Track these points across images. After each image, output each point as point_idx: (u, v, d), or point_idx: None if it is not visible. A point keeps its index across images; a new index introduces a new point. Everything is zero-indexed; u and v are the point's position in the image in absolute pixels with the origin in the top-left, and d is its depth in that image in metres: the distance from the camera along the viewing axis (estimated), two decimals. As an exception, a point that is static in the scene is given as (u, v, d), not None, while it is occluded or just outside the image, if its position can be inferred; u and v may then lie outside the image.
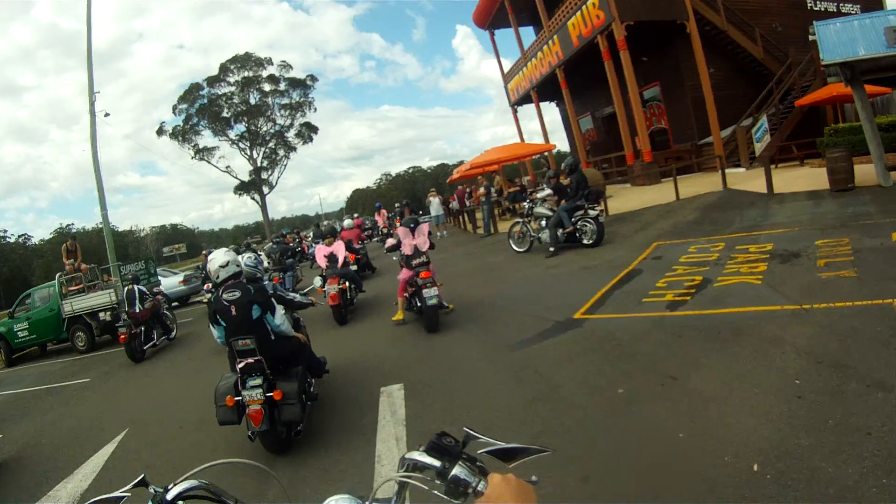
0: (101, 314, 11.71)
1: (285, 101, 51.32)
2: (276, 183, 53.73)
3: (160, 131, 49.11)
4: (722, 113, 18.33)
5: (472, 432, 1.13)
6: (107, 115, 16.90)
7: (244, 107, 49.56)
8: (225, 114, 49.27)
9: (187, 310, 16.28)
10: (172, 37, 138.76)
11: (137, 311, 9.84)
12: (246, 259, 5.20)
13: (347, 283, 8.88)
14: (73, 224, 69.69)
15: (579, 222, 10.32)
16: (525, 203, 11.96)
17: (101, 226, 17.26)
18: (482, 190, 18.11)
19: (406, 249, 7.26)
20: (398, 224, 7.89)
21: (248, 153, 51.05)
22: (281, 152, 52.42)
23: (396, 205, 24.50)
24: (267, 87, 50.37)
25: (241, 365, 4.11)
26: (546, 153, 24.10)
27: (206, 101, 48.82)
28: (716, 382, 3.80)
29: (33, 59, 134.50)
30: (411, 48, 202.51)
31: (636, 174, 19.23)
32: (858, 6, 21.90)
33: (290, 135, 52.29)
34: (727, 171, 14.41)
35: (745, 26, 19.60)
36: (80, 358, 11.40)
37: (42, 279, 12.38)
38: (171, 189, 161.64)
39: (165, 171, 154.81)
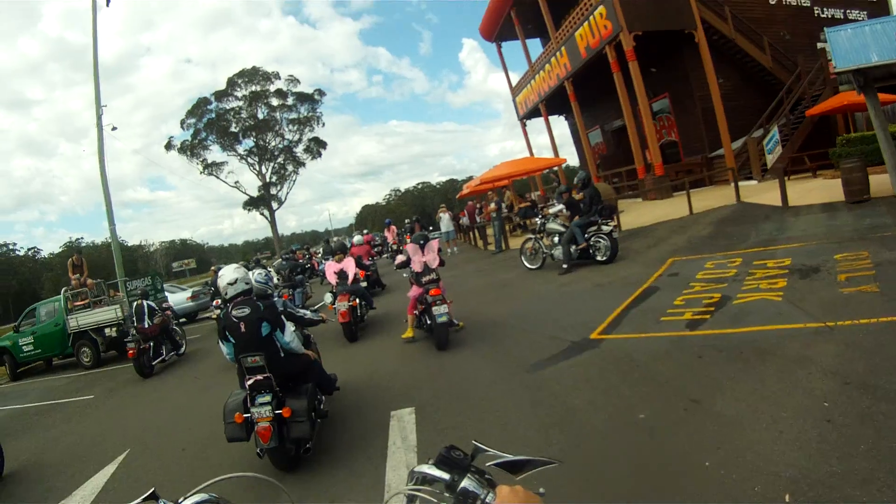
0: (107, 330, 11.71)
1: (293, 115, 51.86)
2: (286, 198, 54.14)
3: (168, 146, 49.81)
4: (732, 124, 18.24)
5: (480, 445, 1.15)
6: (114, 128, 17.13)
7: (252, 121, 50.11)
8: (233, 128, 49.85)
9: (195, 326, 16.27)
10: (180, 51, 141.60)
11: (146, 326, 9.87)
12: (256, 275, 5.19)
13: (358, 300, 8.86)
14: (82, 238, 70.59)
15: (592, 238, 10.21)
16: (537, 219, 11.89)
17: (109, 240, 17.34)
18: (493, 206, 18.04)
19: (416, 266, 7.22)
20: (408, 240, 7.86)
21: (257, 168, 51.55)
22: (290, 167, 52.89)
23: (407, 221, 24.51)
24: (275, 102, 50.95)
25: (250, 382, 4.12)
26: (556, 168, 24.07)
27: (213, 115, 49.43)
28: (741, 406, 3.70)
29: (42, 73, 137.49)
30: (418, 62, 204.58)
31: (647, 188, 19.10)
32: (865, 13, 21.81)
33: (299, 150, 52.79)
34: (739, 183, 14.28)
35: (753, 35, 19.57)
36: (85, 374, 11.41)
37: (51, 293, 12.51)
38: (180, 204, 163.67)
39: (174, 186, 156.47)
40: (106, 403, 8.22)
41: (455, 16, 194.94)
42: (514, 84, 30.13)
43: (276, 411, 3.99)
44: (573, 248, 10.28)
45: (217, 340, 4.60)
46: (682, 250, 9.88)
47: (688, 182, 14.64)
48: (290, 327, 4.63)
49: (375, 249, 21.51)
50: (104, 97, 16.55)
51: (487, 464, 1.12)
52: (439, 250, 7.47)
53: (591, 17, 19.04)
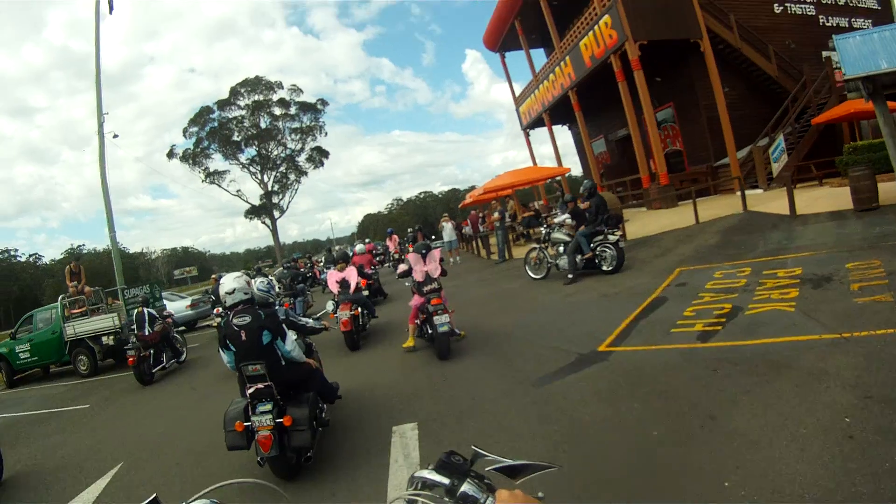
0: (104, 338, 11.56)
1: (296, 125, 52.14)
2: (287, 207, 54.42)
3: (170, 154, 50.09)
4: (737, 133, 18.11)
5: (479, 450, 1.17)
6: (115, 136, 17.21)
7: (254, 130, 50.29)
8: (235, 137, 50.06)
9: (195, 335, 16.11)
10: (183, 60, 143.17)
11: (147, 333, 9.79)
12: (258, 284, 5.13)
13: (360, 309, 8.81)
14: (83, 245, 70.87)
15: (598, 248, 10.09)
16: (542, 228, 11.78)
17: (110, 247, 17.29)
18: (496, 215, 17.96)
19: (417, 276, 7.22)
20: (410, 249, 7.84)
21: (259, 177, 51.67)
22: (292, 176, 53.11)
23: (409, 230, 24.46)
24: (277, 111, 51.21)
25: (251, 390, 4.10)
26: (559, 177, 24.00)
27: (216, 124, 49.61)
28: (759, 422, 3.55)
29: (46, 81, 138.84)
30: (421, 73, 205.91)
31: (652, 197, 18.98)
32: (870, 21, 21.76)
33: (301, 159, 53.05)
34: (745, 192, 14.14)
35: (758, 44, 19.53)
36: (81, 382, 11.28)
37: (52, 299, 12.41)
38: (182, 212, 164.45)
39: (177, 194, 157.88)
40: (102, 413, 8.10)
41: (458, 27, 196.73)
42: (517, 94, 30.14)
43: (277, 420, 3.97)
44: (579, 257, 10.16)
45: (217, 349, 4.56)
46: (689, 260, 9.74)
47: (694, 191, 14.53)
48: (291, 336, 4.59)
49: (377, 258, 21.49)
50: (107, 105, 16.61)
51: (487, 468, 1.13)
52: (441, 260, 7.45)
53: (596, 27, 18.99)
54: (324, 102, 53.93)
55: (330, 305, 9.01)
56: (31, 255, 65.31)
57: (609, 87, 19.36)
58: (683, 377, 4.59)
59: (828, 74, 18.27)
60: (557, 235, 10.78)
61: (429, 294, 6.97)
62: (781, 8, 20.99)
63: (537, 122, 28.53)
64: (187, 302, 18.17)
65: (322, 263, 23.66)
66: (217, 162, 50.55)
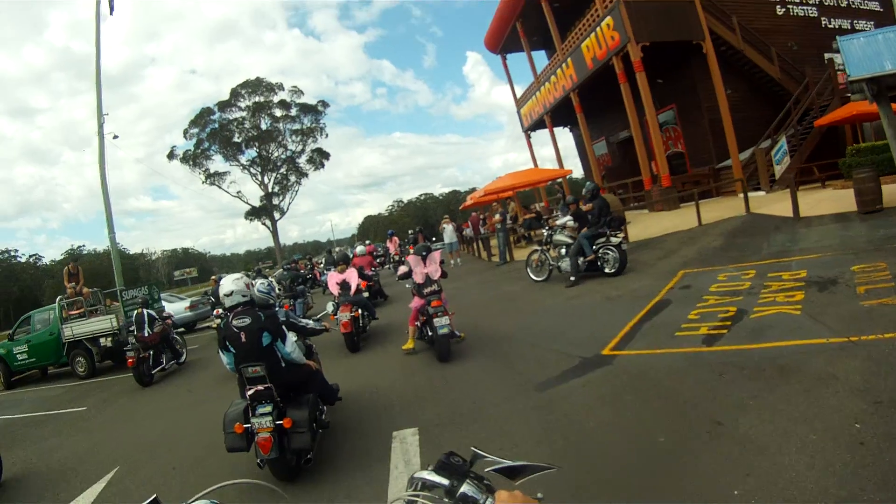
0: (102, 340, 11.49)
1: (297, 126, 51.94)
2: (288, 209, 54.27)
3: (171, 155, 49.90)
4: (739, 135, 18.07)
5: (479, 451, 1.18)
6: (115, 137, 17.17)
7: (255, 132, 50.14)
8: (236, 139, 49.93)
9: (194, 336, 16.02)
10: (184, 62, 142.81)
11: (146, 334, 9.75)
12: (259, 285, 5.09)
13: (360, 311, 8.79)
14: (83, 245, 70.87)
15: (601, 250, 10.02)
16: (544, 230, 11.71)
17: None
18: (497, 217, 17.87)
19: (417, 278, 7.20)
20: (411, 251, 7.82)
21: (260, 179, 51.52)
22: (292, 178, 52.94)
23: (410, 231, 24.42)
24: (278, 113, 51.04)
25: (250, 392, 4.09)
26: (560, 179, 23.94)
27: (216, 125, 49.48)
28: (767, 428, 3.47)
29: (47, 82, 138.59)
30: (422, 75, 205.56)
31: (654, 200, 18.91)
32: (872, 23, 21.71)
33: (302, 161, 52.87)
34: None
35: (760, 45, 19.46)
36: (79, 384, 11.22)
37: (52, 300, 12.34)
38: (182, 213, 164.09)
39: (177, 195, 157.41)
40: (98, 416, 8.04)
41: (459, 29, 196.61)
42: (518, 96, 30.13)
43: (277, 422, 3.95)
44: (581, 259, 10.09)
45: (217, 350, 4.53)
46: (692, 262, 9.67)
47: (696, 193, 14.46)
48: (291, 337, 4.57)
49: (378, 260, 21.43)
50: (108, 106, 16.59)
51: (486, 469, 1.14)
52: (442, 262, 7.43)
53: (598, 29, 18.94)
54: (325, 104, 53.89)
55: (330, 307, 9.00)
56: (31, 256, 65.26)
57: (611, 89, 19.32)
58: (689, 382, 4.52)
59: (830, 76, 18.23)
60: (560, 237, 10.71)
61: (429, 296, 6.96)
62: (783, 10, 20.93)
63: (538, 124, 28.50)
64: (186, 303, 18.09)
65: (322, 265, 23.58)
66: (217, 163, 50.52)
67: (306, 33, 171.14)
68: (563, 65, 22.23)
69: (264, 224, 53.57)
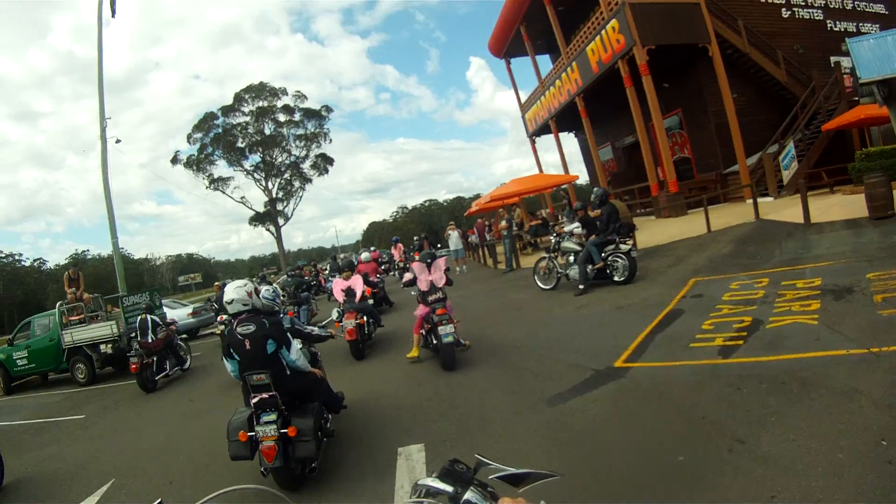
0: (103, 346, 11.41)
1: (300, 131, 51.58)
2: (292, 214, 53.93)
3: (174, 160, 49.76)
4: (746, 140, 17.89)
5: (483, 458, 1.18)
6: (118, 141, 17.27)
7: (259, 137, 49.92)
8: (239, 143, 49.67)
9: (197, 343, 15.86)
10: (188, 67, 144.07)
11: (150, 340, 9.68)
12: (264, 292, 5.06)
13: (365, 318, 8.75)
14: (88, 250, 70.97)
15: (610, 257, 9.90)
16: (551, 237, 11.60)
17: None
18: (503, 223, 17.77)
19: (422, 285, 7.16)
20: (416, 258, 7.74)
21: (263, 184, 51.31)
22: (296, 183, 52.57)
23: (416, 238, 24.36)
24: (282, 118, 50.77)
25: (255, 400, 4.05)
26: (566, 185, 23.83)
27: (220, 130, 49.29)
28: (791, 446, 3.36)
29: (51, 86, 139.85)
30: (426, 80, 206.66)
31: (661, 206, 18.70)
32: (877, 25, 21.65)
33: (306, 166, 52.51)
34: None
35: (766, 49, 19.34)
36: (79, 391, 11.16)
37: (55, 304, 12.30)
38: (187, 218, 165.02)
39: (181, 200, 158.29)
40: (96, 424, 7.97)
41: (463, 34, 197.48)
42: (523, 101, 30.00)
43: (282, 430, 3.94)
44: (590, 267, 9.97)
45: (221, 357, 4.48)
46: (703, 270, 9.52)
47: (705, 199, 14.33)
48: (296, 345, 4.54)
49: (382, 267, 21.34)
50: (112, 111, 16.66)
51: (490, 476, 1.15)
52: (447, 269, 7.36)
53: (603, 32, 18.78)
54: (328, 109, 53.64)
55: (335, 314, 8.96)
56: (35, 260, 65.50)
57: (616, 93, 19.20)
58: (707, 396, 4.39)
59: (837, 80, 18.11)
60: (568, 244, 10.58)
61: (434, 304, 6.91)
62: (789, 12, 20.86)
63: (543, 129, 28.36)
64: (189, 310, 17.97)
65: (327, 271, 23.51)
66: (221, 168, 50.32)
67: (310, 38, 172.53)
68: (568, 69, 22.07)
69: (268, 230, 53.42)
